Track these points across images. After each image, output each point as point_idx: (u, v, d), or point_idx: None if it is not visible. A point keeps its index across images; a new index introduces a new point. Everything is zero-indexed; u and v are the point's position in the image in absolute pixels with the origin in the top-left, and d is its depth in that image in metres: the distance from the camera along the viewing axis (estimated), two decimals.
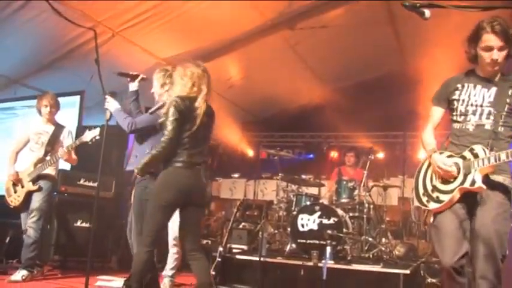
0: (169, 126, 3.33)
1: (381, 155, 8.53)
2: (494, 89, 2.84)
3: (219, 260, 5.30)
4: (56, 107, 5.49)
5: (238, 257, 5.65)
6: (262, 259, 5.21)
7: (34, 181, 5.15)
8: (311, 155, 10.78)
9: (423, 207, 3.01)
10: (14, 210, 5.23)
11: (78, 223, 6.04)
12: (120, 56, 7.12)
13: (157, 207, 3.38)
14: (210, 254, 5.18)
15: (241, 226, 7.76)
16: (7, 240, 5.50)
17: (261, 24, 7.13)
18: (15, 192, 5.22)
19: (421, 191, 3.03)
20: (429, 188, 2.97)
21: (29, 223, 5.01)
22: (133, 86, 4.35)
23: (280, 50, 7.72)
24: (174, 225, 4.59)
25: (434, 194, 2.91)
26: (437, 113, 3.09)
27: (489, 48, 2.73)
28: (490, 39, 2.71)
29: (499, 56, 2.73)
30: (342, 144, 10.02)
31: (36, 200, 5.10)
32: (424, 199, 2.98)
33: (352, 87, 9.61)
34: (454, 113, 2.98)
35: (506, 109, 2.79)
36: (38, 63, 7.43)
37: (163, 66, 4.20)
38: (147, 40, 7.11)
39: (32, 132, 5.40)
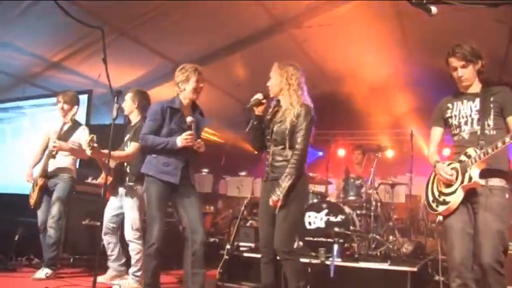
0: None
1: (388, 153, 8.49)
2: (477, 100, 3.28)
3: (227, 257, 5.31)
4: (69, 103, 5.43)
5: (245, 254, 5.65)
6: None
7: (49, 177, 5.19)
8: (318, 153, 10.77)
9: (434, 212, 3.38)
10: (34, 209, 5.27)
11: (86, 221, 6.07)
12: (127, 55, 7.17)
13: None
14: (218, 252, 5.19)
15: (248, 224, 7.77)
16: (16, 238, 5.52)
17: (268, 22, 7.14)
18: (33, 191, 5.27)
19: (430, 198, 3.41)
20: (436, 194, 3.36)
21: (50, 223, 5.05)
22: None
23: (287, 47, 7.72)
24: (131, 216, 4.66)
25: (441, 198, 3.29)
26: (437, 132, 3.51)
27: (454, 68, 3.29)
28: (453, 61, 3.28)
29: (463, 72, 3.26)
30: (349, 142, 10.00)
31: (54, 195, 5.15)
32: (434, 205, 3.35)
33: (360, 85, 9.58)
34: (452, 128, 3.41)
35: (492, 113, 3.21)
36: (46, 62, 7.49)
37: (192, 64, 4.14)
38: (154, 39, 7.14)
39: (52, 131, 5.42)
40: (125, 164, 4.87)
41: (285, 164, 3.55)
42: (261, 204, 3.78)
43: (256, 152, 3.94)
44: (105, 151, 4.08)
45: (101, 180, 5.17)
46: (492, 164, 3.12)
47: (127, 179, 4.83)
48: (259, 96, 3.70)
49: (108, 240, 4.90)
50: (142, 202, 4.47)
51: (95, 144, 4.30)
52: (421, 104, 8.96)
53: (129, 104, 4.97)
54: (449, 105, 3.41)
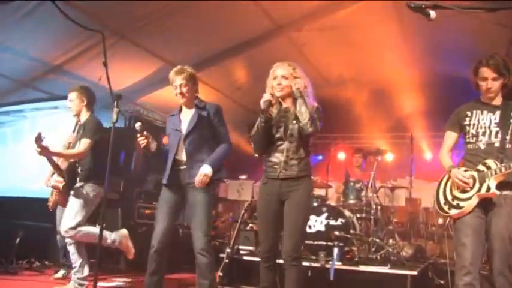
0: None
1: (388, 156, 8.49)
2: (498, 113, 3.37)
3: (227, 261, 5.32)
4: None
5: (245, 258, 5.66)
6: None
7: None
8: (318, 156, 10.76)
9: (445, 214, 3.48)
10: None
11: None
12: (128, 58, 7.18)
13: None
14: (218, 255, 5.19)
15: (248, 227, 7.76)
16: (17, 241, 5.53)
17: (268, 26, 7.16)
18: (51, 194, 5.28)
19: (442, 200, 3.49)
20: (449, 197, 3.44)
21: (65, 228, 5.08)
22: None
23: (286, 51, 7.74)
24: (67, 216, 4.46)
25: (455, 202, 3.38)
26: (451, 137, 3.59)
27: (484, 79, 3.32)
28: (485, 71, 3.31)
29: (492, 84, 3.31)
30: (349, 145, 10.00)
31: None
32: (446, 207, 3.44)
33: (359, 88, 9.60)
34: (467, 136, 3.47)
35: (511, 128, 3.31)
36: (47, 66, 7.50)
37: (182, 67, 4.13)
38: (154, 43, 7.16)
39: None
40: (77, 164, 4.65)
41: (300, 162, 3.53)
42: (263, 207, 3.67)
43: (257, 155, 3.84)
44: (56, 150, 4.04)
45: (50, 182, 4.83)
46: (509, 176, 3.23)
47: (77, 179, 4.60)
48: (268, 97, 3.60)
49: (72, 251, 4.53)
50: (87, 203, 4.44)
51: (43, 143, 4.19)
52: (421, 107, 8.98)
53: (77, 102, 4.78)
54: (469, 113, 3.48)
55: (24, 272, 5.40)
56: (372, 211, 6.37)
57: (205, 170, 3.72)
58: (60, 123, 7.86)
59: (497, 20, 6.23)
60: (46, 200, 6.38)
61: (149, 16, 6.39)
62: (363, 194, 6.58)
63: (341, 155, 10.15)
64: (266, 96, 3.60)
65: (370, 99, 9.26)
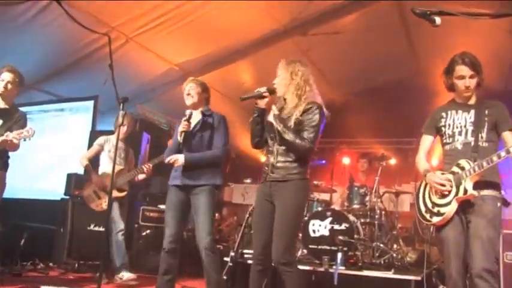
0: None
1: (393, 161, 8.48)
2: (472, 111, 3.32)
3: (231, 264, 5.32)
4: (129, 125, 5.73)
5: (249, 261, 5.64)
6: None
7: (119, 189, 5.42)
8: (323, 161, 10.75)
9: (427, 223, 3.38)
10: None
11: (91, 227, 6.10)
12: (133, 61, 7.20)
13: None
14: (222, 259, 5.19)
15: (253, 231, 7.75)
16: (22, 243, 5.55)
17: (274, 29, 7.16)
18: (98, 198, 5.47)
19: (423, 209, 3.42)
20: (429, 205, 3.37)
21: (120, 231, 5.30)
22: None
23: (292, 55, 7.71)
24: None
25: (435, 209, 3.31)
26: (427, 140, 3.56)
27: (462, 77, 3.26)
28: (462, 69, 3.24)
29: (470, 83, 3.25)
30: (354, 150, 9.98)
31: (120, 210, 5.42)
32: (427, 215, 3.36)
33: (364, 93, 9.60)
34: (444, 138, 3.44)
35: (486, 126, 3.25)
36: (53, 68, 7.53)
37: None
38: (160, 45, 7.18)
39: (111, 145, 5.63)
40: None
41: (288, 165, 3.38)
42: (256, 208, 3.60)
43: (254, 148, 3.77)
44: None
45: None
46: (485, 175, 3.16)
47: None
48: (262, 89, 3.52)
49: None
50: None
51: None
52: (428, 112, 8.95)
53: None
54: (443, 114, 3.45)
55: (29, 274, 5.41)
56: (376, 216, 6.36)
57: (180, 156, 3.93)
58: (67, 124, 7.92)
59: (504, 26, 6.22)
60: (51, 201, 6.43)
61: (155, 19, 6.42)
62: (367, 199, 6.58)
63: (345, 160, 10.12)
64: (262, 89, 3.54)
65: (375, 104, 9.24)
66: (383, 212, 6.66)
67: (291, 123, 3.40)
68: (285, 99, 3.57)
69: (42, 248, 6.01)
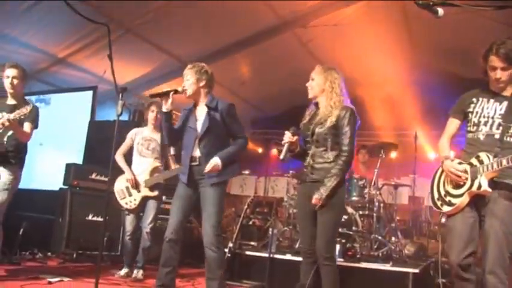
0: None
1: (392, 154, 8.48)
2: (505, 103, 3.13)
3: (229, 255, 5.33)
4: (157, 112, 5.36)
5: (247, 253, 5.66)
6: (271, 255, 5.23)
7: (151, 188, 5.24)
8: None
9: (438, 210, 3.31)
10: (130, 211, 5.30)
11: (90, 217, 6.10)
12: (133, 52, 7.18)
13: None
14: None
15: (251, 223, 7.78)
16: (21, 232, 5.55)
17: (274, 21, 7.14)
18: (130, 195, 5.29)
19: (436, 195, 3.36)
20: (442, 192, 3.30)
21: (148, 229, 5.16)
22: (167, 106, 3.89)
23: (292, 47, 7.72)
24: None
25: (447, 198, 3.24)
26: (453, 124, 3.39)
27: (493, 68, 3.07)
28: (494, 60, 3.05)
29: (502, 75, 3.05)
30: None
31: (154, 207, 5.24)
32: (439, 203, 3.30)
33: (364, 86, 9.57)
34: (469, 124, 3.27)
35: None
36: (52, 58, 7.51)
37: (195, 62, 4.15)
38: (160, 37, 7.16)
39: (140, 137, 5.41)
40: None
41: (326, 166, 3.57)
42: (299, 210, 3.89)
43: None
44: None
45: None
46: (503, 172, 3.02)
47: None
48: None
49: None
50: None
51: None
52: (426, 106, 8.95)
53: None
54: (474, 99, 3.26)
55: (27, 263, 5.41)
56: (375, 208, 6.35)
57: (216, 160, 3.82)
58: (66, 114, 7.89)
59: (503, 19, 6.21)
60: (49, 192, 6.40)
61: (155, 10, 6.39)
62: (366, 191, 6.56)
63: None
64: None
65: (375, 97, 9.23)
66: (381, 205, 6.65)
67: (327, 126, 3.60)
68: (317, 104, 3.80)
69: (41, 237, 6.00)
